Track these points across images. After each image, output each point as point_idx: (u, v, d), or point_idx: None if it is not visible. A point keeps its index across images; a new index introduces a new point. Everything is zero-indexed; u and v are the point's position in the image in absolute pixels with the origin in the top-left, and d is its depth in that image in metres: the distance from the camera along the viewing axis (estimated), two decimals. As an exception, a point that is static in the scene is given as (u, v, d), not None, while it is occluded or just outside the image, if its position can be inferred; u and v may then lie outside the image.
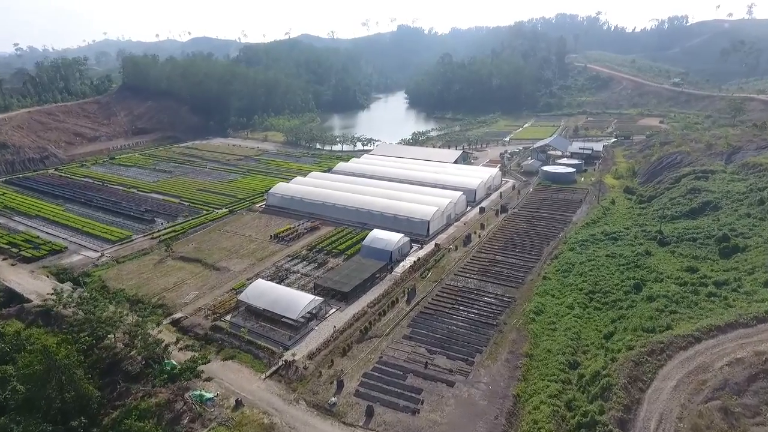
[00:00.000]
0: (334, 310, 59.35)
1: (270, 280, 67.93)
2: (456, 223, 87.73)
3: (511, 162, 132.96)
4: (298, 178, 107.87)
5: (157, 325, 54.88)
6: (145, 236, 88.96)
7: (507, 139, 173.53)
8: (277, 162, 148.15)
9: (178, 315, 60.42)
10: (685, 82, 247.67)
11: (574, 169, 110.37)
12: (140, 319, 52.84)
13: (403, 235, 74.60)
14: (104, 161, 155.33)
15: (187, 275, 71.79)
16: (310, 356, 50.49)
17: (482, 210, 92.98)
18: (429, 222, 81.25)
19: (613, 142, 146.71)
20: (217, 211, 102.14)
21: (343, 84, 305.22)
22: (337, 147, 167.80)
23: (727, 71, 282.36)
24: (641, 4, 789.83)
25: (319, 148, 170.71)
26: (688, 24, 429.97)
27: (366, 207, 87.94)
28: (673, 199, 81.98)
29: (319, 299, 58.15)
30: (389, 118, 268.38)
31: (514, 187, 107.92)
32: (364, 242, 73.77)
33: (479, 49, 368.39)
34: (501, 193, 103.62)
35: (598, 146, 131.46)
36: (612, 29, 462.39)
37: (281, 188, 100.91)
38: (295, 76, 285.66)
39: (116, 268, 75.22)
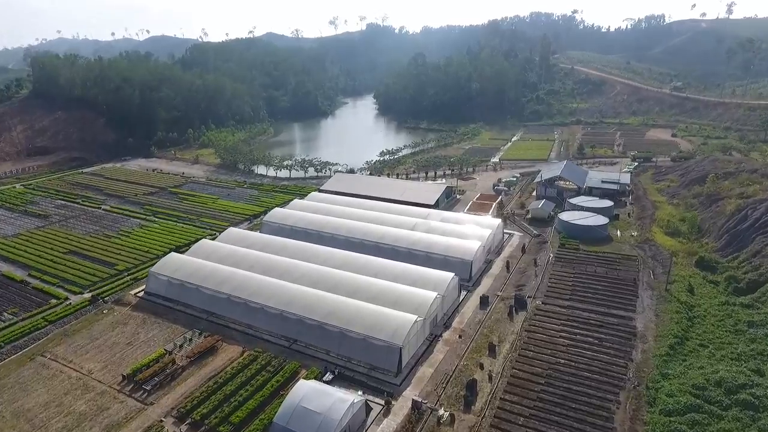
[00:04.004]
0: None
1: None
2: (445, 335, 53.24)
3: (511, 199, 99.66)
4: (203, 244, 71.22)
5: None
6: None
7: (497, 159, 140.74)
8: (201, 197, 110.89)
9: None
10: (687, 86, 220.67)
11: (606, 220, 77.51)
12: None
13: (353, 398, 39.50)
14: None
15: None
16: None
17: (484, 302, 58.81)
18: (401, 348, 46.55)
19: (635, 167, 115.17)
20: (71, 299, 65.33)
21: (303, 88, 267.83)
22: (284, 173, 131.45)
23: (716, 72, 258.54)
24: (615, 2, 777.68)
25: (261, 174, 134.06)
26: (665, 23, 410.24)
27: (298, 312, 52.47)
28: (803, 296, 49.69)
29: None
30: (356, 127, 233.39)
31: (523, 249, 74.25)
32: (278, 417, 38.37)
33: (454, 48, 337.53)
34: (507, 261, 69.73)
35: (625, 177, 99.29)
36: (588, 28, 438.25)
37: (170, 265, 64.40)
38: (246, 80, 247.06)
39: None
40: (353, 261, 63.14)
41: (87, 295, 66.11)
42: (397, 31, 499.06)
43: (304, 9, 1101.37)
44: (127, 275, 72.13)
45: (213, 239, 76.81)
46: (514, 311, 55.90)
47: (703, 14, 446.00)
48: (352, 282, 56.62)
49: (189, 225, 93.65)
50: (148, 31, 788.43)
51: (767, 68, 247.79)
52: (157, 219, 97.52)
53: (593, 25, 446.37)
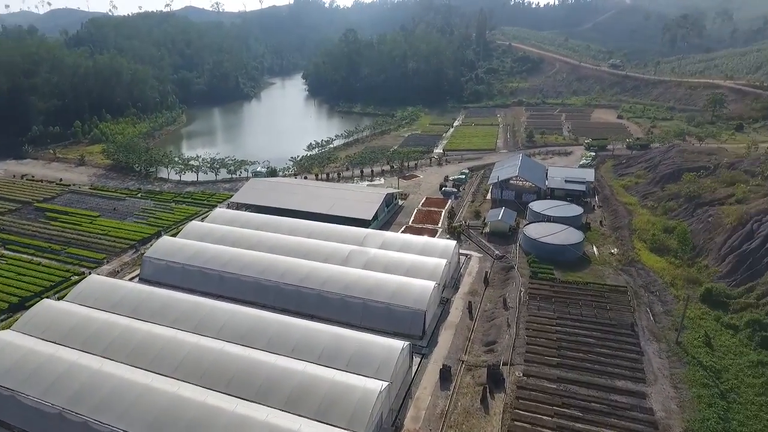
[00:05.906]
0: None
1: None
2: (396, 442, 36.68)
3: (462, 203, 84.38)
4: (43, 307, 49.25)
5: None
6: None
7: (440, 149, 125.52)
8: (76, 216, 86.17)
9: None
10: (624, 64, 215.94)
11: (581, 235, 63.76)
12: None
13: None
14: None
15: None
16: None
17: (446, 376, 42.72)
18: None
19: (593, 159, 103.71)
20: None
21: (222, 68, 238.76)
22: (191, 176, 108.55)
23: (644, 49, 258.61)
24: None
25: (162, 178, 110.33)
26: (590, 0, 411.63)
27: (166, 437, 33.63)
28: None
29: None
30: (283, 112, 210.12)
31: (486, 279, 58.91)
32: None
33: (387, 24, 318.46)
34: (469, 301, 54.06)
35: (589, 173, 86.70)
36: (519, 4, 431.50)
37: (-18, 351, 42.75)
38: (153, 60, 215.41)
39: None
40: (262, 329, 44.64)
41: None
42: (327, 5, 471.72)
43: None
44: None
45: (61, 298, 54.97)
46: (488, 393, 40.19)
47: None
48: (254, 379, 38.10)
49: (51, 259, 70.41)
50: (49, 3, 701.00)
51: (693, 45, 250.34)
52: (5, 253, 73.05)
53: (524, 1, 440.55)
